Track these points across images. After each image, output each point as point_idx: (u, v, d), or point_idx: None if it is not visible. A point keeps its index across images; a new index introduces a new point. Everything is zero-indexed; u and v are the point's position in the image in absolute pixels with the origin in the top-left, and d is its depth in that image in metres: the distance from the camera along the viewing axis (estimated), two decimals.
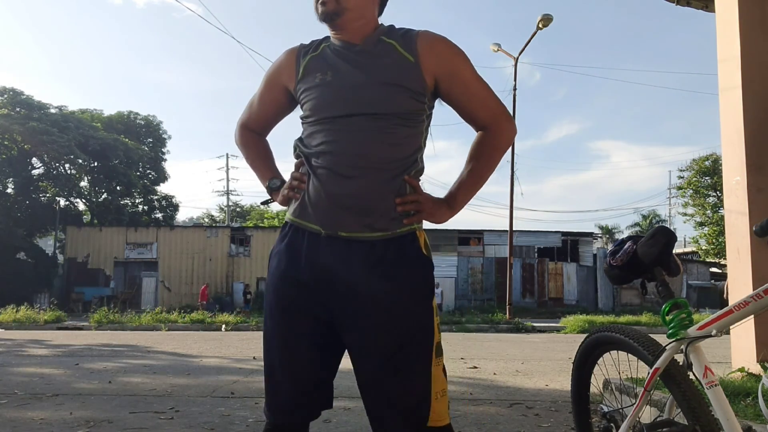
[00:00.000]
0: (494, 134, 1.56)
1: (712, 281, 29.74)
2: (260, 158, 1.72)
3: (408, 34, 1.51)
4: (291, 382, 1.46)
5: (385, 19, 1.61)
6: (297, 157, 1.56)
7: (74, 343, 9.91)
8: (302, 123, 1.56)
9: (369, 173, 1.43)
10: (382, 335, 1.40)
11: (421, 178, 1.55)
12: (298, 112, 1.60)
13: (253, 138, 1.73)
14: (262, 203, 1.77)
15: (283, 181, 1.61)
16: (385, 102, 1.44)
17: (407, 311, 1.42)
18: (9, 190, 31.58)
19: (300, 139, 1.56)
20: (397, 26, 1.57)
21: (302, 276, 1.44)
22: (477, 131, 1.60)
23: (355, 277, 1.41)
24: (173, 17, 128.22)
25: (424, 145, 1.54)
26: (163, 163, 36.76)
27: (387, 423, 1.43)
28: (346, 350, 1.48)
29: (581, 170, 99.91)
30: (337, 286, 1.42)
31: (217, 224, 41.48)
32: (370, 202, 1.43)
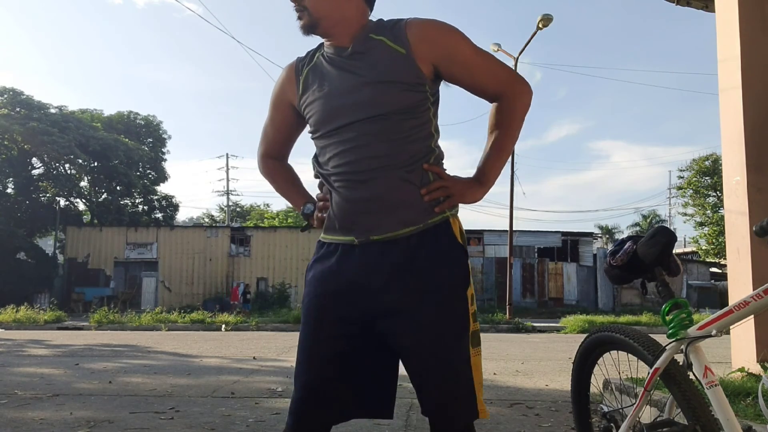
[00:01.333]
0: (509, 100, 1.51)
1: (712, 281, 29.73)
2: (289, 185, 1.72)
3: (397, 26, 1.47)
4: (309, 389, 1.46)
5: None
6: (316, 176, 1.57)
7: (74, 343, 9.91)
8: (312, 138, 1.56)
9: (385, 171, 1.42)
10: (423, 334, 1.40)
11: (443, 162, 1.53)
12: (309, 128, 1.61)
13: (276, 167, 1.73)
14: (302, 230, 1.79)
15: (315, 204, 1.60)
16: (383, 101, 1.42)
17: (444, 306, 1.42)
18: (9, 190, 31.57)
19: (315, 157, 1.56)
20: (386, 19, 1.54)
21: (339, 286, 1.45)
22: (491, 102, 1.55)
23: (392, 280, 1.41)
24: (173, 17, 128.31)
25: (436, 132, 1.51)
26: (163, 163, 36.76)
27: (440, 420, 1.44)
28: (398, 352, 1.47)
29: (581, 170, 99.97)
30: (375, 291, 1.42)
31: (217, 224, 41.46)
32: (394, 199, 1.42)
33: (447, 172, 1.51)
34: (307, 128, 1.57)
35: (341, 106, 1.45)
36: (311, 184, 1.67)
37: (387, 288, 1.41)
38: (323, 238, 1.53)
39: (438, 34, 1.46)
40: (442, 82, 1.53)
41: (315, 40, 1.58)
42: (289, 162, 1.79)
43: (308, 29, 1.49)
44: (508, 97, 1.52)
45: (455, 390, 1.40)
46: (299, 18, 1.48)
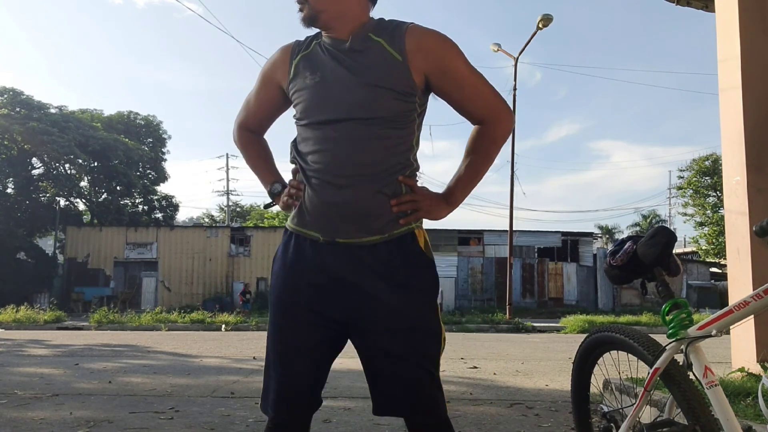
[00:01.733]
0: (492, 127, 1.52)
1: (712, 281, 29.73)
2: (261, 160, 1.72)
3: (397, 30, 1.46)
4: (288, 377, 1.47)
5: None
6: (293, 161, 1.56)
7: (74, 343, 9.91)
8: (295, 124, 1.56)
9: (362, 180, 1.42)
10: (392, 336, 1.42)
11: (417, 175, 1.53)
12: (292, 111, 1.61)
13: (251, 139, 1.73)
14: (265, 206, 1.81)
15: (284, 185, 1.61)
16: (373, 106, 1.42)
17: (413, 311, 1.43)
18: (9, 190, 31.57)
19: (295, 144, 1.56)
20: (387, 18, 1.53)
21: (304, 280, 1.47)
22: (474, 125, 1.56)
23: (359, 281, 1.43)
24: (173, 17, 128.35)
25: (417, 144, 1.51)
26: (163, 163, 36.78)
27: (412, 420, 1.47)
28: (356, 350, 1.50)
29: (581, 170, 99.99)
30: (343, 290, 1.44)
31: (217, 224, 41.48)
32: (365, 209, 1.43)
33: (419, 183, 1.52)
34: (293, 113, 1.57)
35: (332, 101, 1.45)
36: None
37: (358, 286, 1.43)
38: (291, 227, 1.52)
39: (436, 46, 1.45)
40: (431, 95, 1.53)
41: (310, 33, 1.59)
42: (265, 138, 1.78)
43: (308, 21, 1.49)
44: (492, 123, 1.52)
45: (428, 390, 1.44)
46: (300, 10, 1.49)
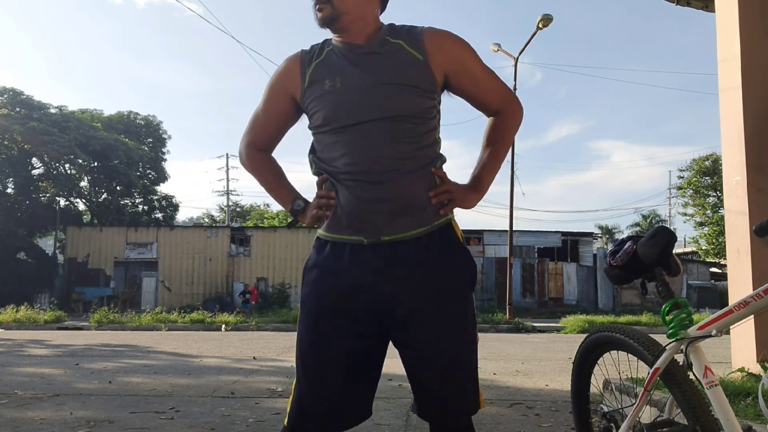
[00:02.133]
0: (507, 117, 1.62)
1: (712, 281, 29.72)
2: (276, 180, 1.66)
3: (413, 32, 1.52)
4: (314, 390, 1.45)
5: (384, 19, 1.60)
6: (317, 173, 1.54)
7: (74, 343, 9.91)
8: (315, 134, 1.54)
9: (397, 175, 1.44)
10: (439, 333, 1.44)
11: (444, 167, 1.58)
12: (302, 123, 1.60)
13: (263, 159, 1.67)
14: (288, 226, 1.76)
15: (306, 202, 1.59)
16: (399, 104, 1.46)
17: (458, 304, 1.47)
18: (9, 190, 31.56)
19: (315, 154, 1.54)
20: (397, 24, 1.57)
21: (346, 286, 1.44)
22: (489, 116, 1.65)
23: (406, 280, 1.43)
24: (174, 17, 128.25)
25: (440, 138, 1.57)
26: (163, 163, 36.74)
27: (450, 418, 1.48)
28: (399, 351, 1.49)
29: (581, 170, 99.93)
30: (388, 292, 1.43)
31: (217, 224, 41.46)
32: (404, 201, 1.45)
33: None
34: (310, 123, 1.55)
35: (357, 104, 1.46)
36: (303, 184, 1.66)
37: (402, 290, 1.43)
38: (326, 236, 1.50)
39: (453, 47, 1.53)
40: (444, 92, 1.58)
41: (313, 37, 1.59)
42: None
43: (327, 22, 1.50)
44: (506, 114, 1.63)
45: (470, 389, 1.48)
46: (319, 9, 1.49)
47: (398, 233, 1.44)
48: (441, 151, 1.56)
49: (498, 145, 1.62)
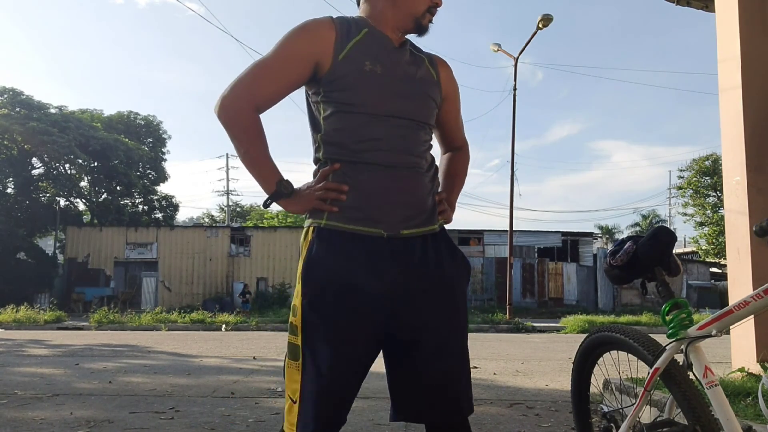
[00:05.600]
0: (466, 153, 1.78)
1: (712, 281, 29.72)
2: (266, 153, 1.48)
3: (427, 53, 1.63)
4: (340, 398, 1.40)
5: None
6: (327, 159, 1.45)
7: (74, 343, 9.91)
8: (338, 112, 1.44)
9: (417, 173, 1.49)
10: (450, 330, 1.45)
11: None
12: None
13: (260, 125, 1.47)
14: (265, 205, 1.54)
15: (292, 186, 1.46)
16: (426, 112, 1.54)
17: (464, 302, 1.52)
18: (9, 190, 31.55)
19: (334, 134, 1.45)
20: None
21: (374, 283, 1.38)
22: (448, 151, 1.76)
23: (422, 275, 1.44)
24: (174, 17, 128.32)
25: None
26: (163, 163, 36.74)
27: (451, 417, 1.46)
28: (409, 351, 1.44)
29: (581, 170, 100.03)
30: (406, 289, 1.41)
31: (217, 224, 41.45)
32: (422, 199, 1.50)
33: None
34: (334, 98, 1.44)
35: (396, 98, 1.48)
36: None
37: (417, 285, 1.43)
38: (338, 226, 1.41)
39: (453, 79, 1.66)
40: None
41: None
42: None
43: (426, 30, 1.58)
44: (466, 151, 1.78)
45: (468, 387, 1.49)
46: (434, 15, 1.56)
47: (416, 228, 1.46)
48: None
49: (463, 175, 1.76)
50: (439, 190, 1.66)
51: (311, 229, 1.45)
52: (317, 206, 1.44)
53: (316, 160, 1.51)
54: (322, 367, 1.36)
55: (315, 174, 1.51)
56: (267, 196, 1.47)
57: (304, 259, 1.43)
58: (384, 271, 1.39)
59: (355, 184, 1.42)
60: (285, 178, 1.47)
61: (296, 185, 1.50)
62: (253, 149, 1.46)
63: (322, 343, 1.37)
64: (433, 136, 1.62)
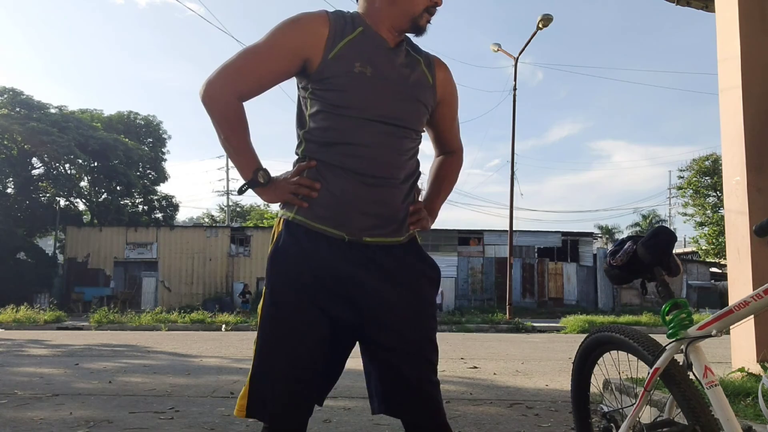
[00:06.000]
0: (459, 158, 1.76)
1: (712, 281, 29.74)
2: (247, 141, 1.48)
3: (426, 54, 1.59)
4: (296, 379, 1.41)
5: None
6: (304, 156, 1.47)
7: (74, 343, 9.91)
8: (324, 111, 1.44)
9: (394, 182, 1.47)
10: (411, 335, 1.45)
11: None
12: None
13: (243, 114, 1.47)
14: (240, 191, 1.56)
15: (270, 176, 1.47)
16: (414, 117, 1.51)
17: (428, 307, 1.50)
18: (9, 190, 31.57)
19: (308, 130, 1.46)
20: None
21: (319, 277, 1.41)
22: (441, 154, 1.74)
23: (376, 281, 1.43)
24: (175, 17, 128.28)
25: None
26: (163, 163, 36.78)
27: (426, 418, 1.46)
28: (369, 351, 1.48)
29: (582, 170, 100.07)
30: (363, 290, 1.42)
31: (217, 224, 41.47)
32: (393, 210, 1.47)
33: None
34: (323, 97, 1.44)
35: (383, 102, 1.45)
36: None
37: (380, 286, 1.43)
38: (303, 221, 1.43)
39: (451, 81, 1.63)
40: None
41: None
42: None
43: (425, 31, 1.54)
44: (459, 156, 1.76)
45: (435, 393, 1.47)
46: (432, 16, 1.53)
47: (382, 237, 1.45)
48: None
49: (452, 179, 1.74)
50: (425, 193, 1.68)
51: (281, 220, 1.48)
52: (289, 200, 1.46)
53: (297, 154, 1.52)
54: (264, 347, 1.42)
55: (293, 165, 1.52)
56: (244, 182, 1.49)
57: (271, 248, 1.47)
58: (341, 269, 1.42)
59: (327, 185, 1.44)
60: (263, 167, 1.47)
61: (275, 174, 1.51)
62: (233, 136, 1.46)
63: (273, 328, 1.42)
64: (422, 140, 1.59)
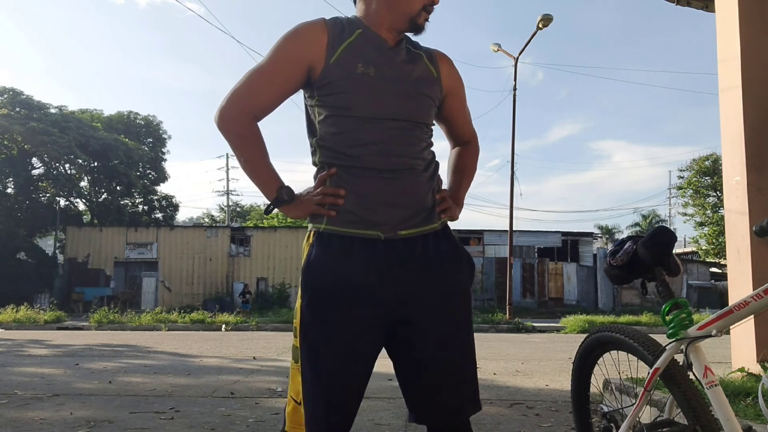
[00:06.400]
0: (475, 147, 1.76)
1: (712, 281, 29.71)
2: (265, 160, 1.50)
3: (427, 48, 1.60)
4: (351, 400, 1.40)
5: None
6: (324, 163, 1.47)
7: (74, 343, 9.91)
8: (333, 116, 1.45)
9: (414, 174, 1.48)
10: (454, 329, 1.45)
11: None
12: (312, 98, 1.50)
13: (258, 133, 1.49)
14: (266, 212, 1.55)
15: (293, 193, 1.46)
16: (422, 112, 1.51)
17: (468, 301, 1.50)
18: (9, 190, 31.55)
19: (320, 137, 1.47)
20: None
21: (369, 282, 1.39)
22: (456, 146, 1.75)
23: (421, 275, 1.43)
24: (175, 17, 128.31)
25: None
26: (163, 163, 36.75)
27: (456, 417, 1.47)
28: (409, 350, 1.46)
29: (582, 170, 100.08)
30: (403, 286, 1.41)
31: (217, 224, 41.46)
32: (420, 198, 1.48)
33: None
34: (328, 101, 1.45)
35: (390, 100, 1.46)
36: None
37: (417, 285, 1.42)
38: (335, 230, 1.42)
39: (456, 73, 1.63)
40: None
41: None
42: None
43: (423, 29, 1.54)
44: (475, 145, 1.76)
45: (473, 385, 1.49)
46: (429, 14, 1.53)
47: (414, 228, 1.45)
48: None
49: (471, 169, 1.74)
50: (447, 186, 1.68)
51: (312, 233, 1.47)
52: (316, 211, 1.45)
53: (314, 164, 1.53)
54: (320, 369, 1.38)
55: (314, 177, 1.52)
56: (268, 202, 1.48)
57: (304, 263, 1.45)
58: (382, 272, 1.40)
59: (351, 188, 1.44)
60: (285, 184, 1.47)
61: (297, 190, 1.51)
62: (252, 158, 1.48)
63: (320, 345, 1.39)
64: (434, 133, 1.59)
